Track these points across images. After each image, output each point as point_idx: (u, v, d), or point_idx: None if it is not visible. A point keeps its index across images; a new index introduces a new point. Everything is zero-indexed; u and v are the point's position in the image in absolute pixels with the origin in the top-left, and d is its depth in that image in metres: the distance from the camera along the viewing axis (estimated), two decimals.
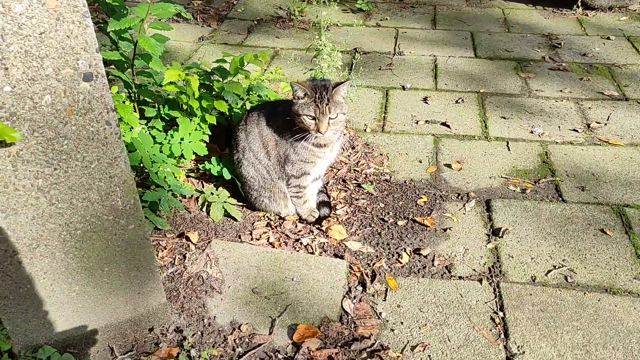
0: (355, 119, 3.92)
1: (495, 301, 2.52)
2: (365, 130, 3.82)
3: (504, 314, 2.45)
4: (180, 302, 2.46)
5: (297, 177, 2.86)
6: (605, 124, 3.86)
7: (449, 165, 3.46)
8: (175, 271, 2.61)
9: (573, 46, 5.11)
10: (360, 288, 2.62)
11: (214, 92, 3.24)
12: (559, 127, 3.82)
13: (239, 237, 2.90)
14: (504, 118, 3.93)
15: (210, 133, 3.18)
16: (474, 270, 2.71)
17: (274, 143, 2.84)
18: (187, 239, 2.80)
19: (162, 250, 2.72)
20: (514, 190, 3.25)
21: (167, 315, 2.32)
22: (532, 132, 3.77)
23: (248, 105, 3.47)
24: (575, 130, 3.79)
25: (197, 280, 2.57)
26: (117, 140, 1.80)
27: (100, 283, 2.04)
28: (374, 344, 2.33)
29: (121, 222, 1.98)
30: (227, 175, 3.06)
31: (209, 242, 2.81)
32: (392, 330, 2.40)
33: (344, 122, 2.74)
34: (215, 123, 3.11)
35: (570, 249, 2.80)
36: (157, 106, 3.18)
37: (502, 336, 2.35)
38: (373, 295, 2.58)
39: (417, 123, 3.90)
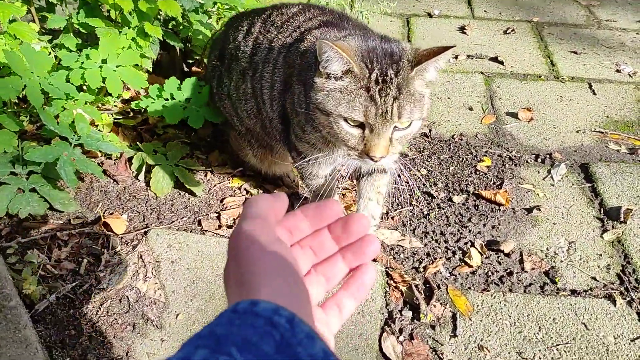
0: None
1: None
2: None
3: None
4: (80, 350, 1.31)
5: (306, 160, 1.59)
6: None
7: (513, 115, 2.35)
8: (79, 287, 1.46)
9: None
10: (409, 313, 1.51)
11: None
12: None
13: (199, 222, 1.75)
14: (575, 53, 2.83)
15: (153, 56, 2.00)
16: (594, 278, 1.62)
17: (280, 91, 1.56)
18: (107, 227, 1.64)
19: (60, 248, 1.55)
20: (618, 151, 2.16)
21: None
22: (618, 70, 2.68)
23: (216, 22, 2.29)
24: None
25: (118, 305, 1.43)
26: None
27: None
28: None
29: None
30: (171, 118, 1.85)
31: (145, 232, 1.66)
32: None
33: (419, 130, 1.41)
34: (160, 37, 1.92)
35: None
36: (67, 12, 1.98)
37: None
38: (433, 327, 1.47)
39: (456, 58, 2.76)
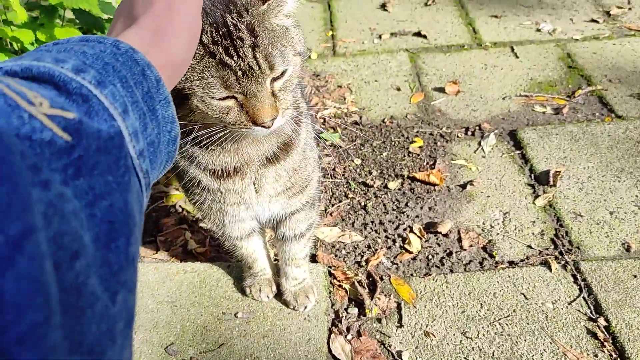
0: None
1: (584, 298, 1.49)
2: (309, 56, 2.65)
3: (607, 319, 1.43)
4: None
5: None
6: (630, 8, 2.86)
7: (440, 90, 2.37)
8: None
9: None
10: (354, 310, 1.53)
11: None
12: (571, 19, 2.79)
13: None
14: (496, 17, 2.86)
15: None
16: (530, 246, 1.67)
17: None
18: None
19: None
20: (544, 112, 2.21)
21: None
22: (539, 30, 2.72)
23: None
24: (594, 20, 2.77)
25: None
26: None
27: None
28: None
29: None
30: None
31: None
32: None
33: (297, 79, 0.97)
34: None
35: None
36: None
37: None
38: (379, 321, 1.49)
39: (379, 38, 2.76)
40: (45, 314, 0.31)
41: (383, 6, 3.03)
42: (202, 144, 0.97)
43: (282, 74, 0.90)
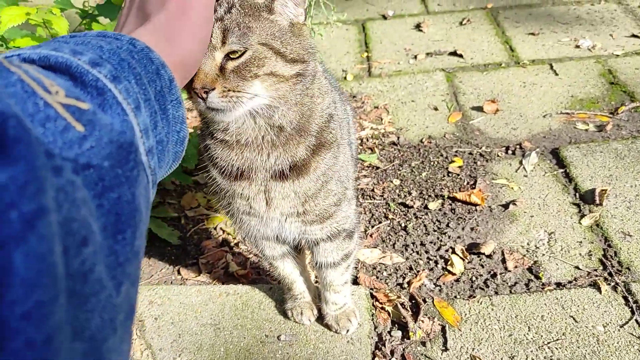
0: (328, 65, 2.76)
1: (637, 320, 1.44)
2: (345, 77, 2.67)
3: None
4: None
5: None
6: None
7: (479, 109, 2.35)
8: None
9: None
10: (398, 333, 1.50)
11: None
12: (611, 35, 2.74)
13: (178, 272, 1.74)
14: (533, 34, 2.83)
15: None
16: (577, 267, 1.62)
17: None
18: None
19: None
20: (587, 130, 2.16)
21: None
22: (578, 46, 2.68)
23: None
24: (635, 36, 2.71)
25: None
26: None
27: None
28: None
29: None
30: None
31: None
32: None
33: (297, 75, 0.93)
34: None
35: None
36: None
37: None
38: (423, 344, 1.47)
39: (415, 58, 2.76)
40: (52, 295, 0.32)
41: (418, 26, 3.04)
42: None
43: (241, 55, 0.86)
